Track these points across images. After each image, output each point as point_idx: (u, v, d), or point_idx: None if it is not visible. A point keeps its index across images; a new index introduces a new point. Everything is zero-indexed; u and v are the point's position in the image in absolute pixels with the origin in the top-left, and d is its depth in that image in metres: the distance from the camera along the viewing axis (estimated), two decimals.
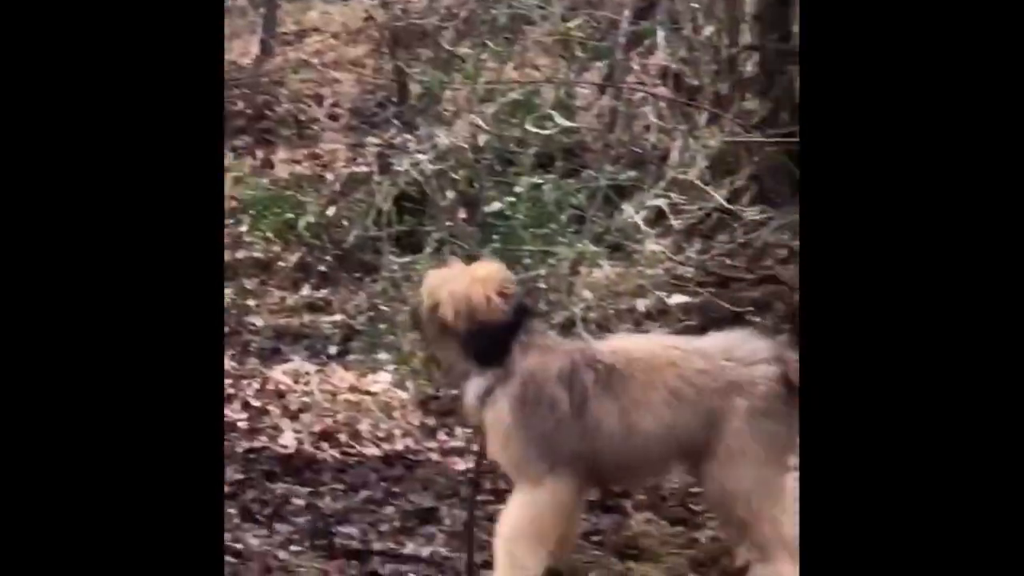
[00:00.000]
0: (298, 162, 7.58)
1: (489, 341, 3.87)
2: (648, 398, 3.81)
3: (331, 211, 6.69)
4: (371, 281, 6.44)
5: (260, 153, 8.20)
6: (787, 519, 3.69)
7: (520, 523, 3.81)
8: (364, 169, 7.01)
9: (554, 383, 3.82)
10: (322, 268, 6.55)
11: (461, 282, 3.91)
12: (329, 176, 7.32)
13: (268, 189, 7.23)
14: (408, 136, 6.83)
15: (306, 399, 5.43)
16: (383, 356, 5.61)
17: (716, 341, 3.96)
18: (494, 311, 3.87)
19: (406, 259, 6.11)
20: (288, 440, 4.99)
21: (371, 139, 7.46)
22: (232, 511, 4.35)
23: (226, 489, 4.46)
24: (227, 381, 5.55)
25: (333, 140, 8.03)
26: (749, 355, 3.83)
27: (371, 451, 4.98)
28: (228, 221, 6.79)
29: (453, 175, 6.27)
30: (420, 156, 6.31)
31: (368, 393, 5.50)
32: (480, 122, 6.49)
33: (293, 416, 5.22)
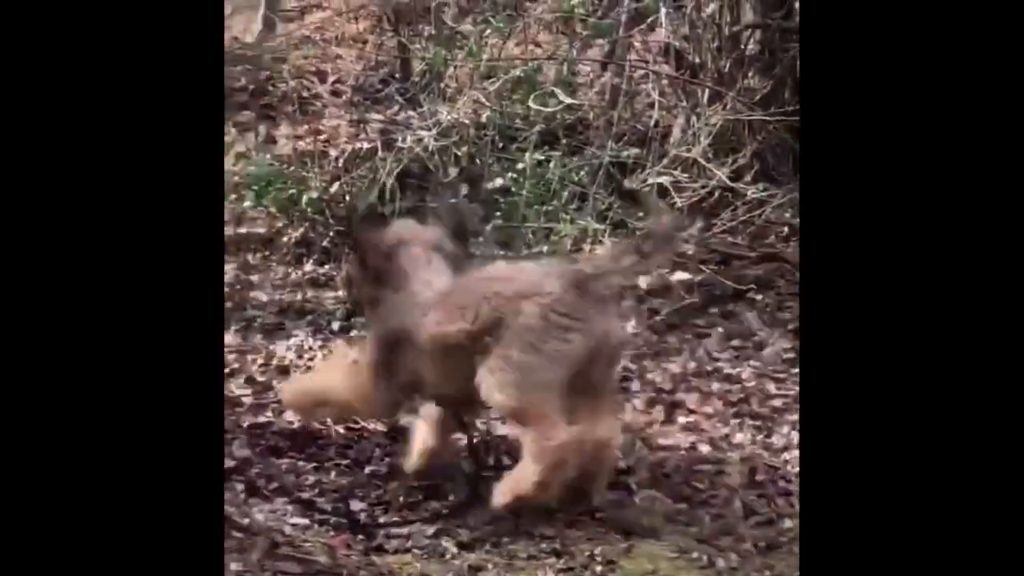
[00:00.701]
0: (300, 138, 7.54)
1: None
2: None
3: (335, 187, 6.69)
4: None
5: (262, 129, 8.17)
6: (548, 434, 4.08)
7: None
8: (367, 145, 7.00)
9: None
10: (325, 244, 6.55)
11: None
12: (332, 152, 7.30)
13: (271, 165, 7.23)
14: (411, 113, 6.85)
15: None
16: None
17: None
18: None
19: None
20: (293, 415, 5.00)
21: (374, 115, 7.46)
22: (239, 486, 4.37)
23: (232, 464, 4.50)
24: (231, 356, 5.57)
25: (335, 116, 8.00)
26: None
27: (375, 426, 4.98)
28: (231, 197, 6.79)
29: (456, 151, 6.29)
30: (423, 132, 6.33)
31: None
32: (482, 99, 6.51)
33: None
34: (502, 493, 4.16)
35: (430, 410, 4.54)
